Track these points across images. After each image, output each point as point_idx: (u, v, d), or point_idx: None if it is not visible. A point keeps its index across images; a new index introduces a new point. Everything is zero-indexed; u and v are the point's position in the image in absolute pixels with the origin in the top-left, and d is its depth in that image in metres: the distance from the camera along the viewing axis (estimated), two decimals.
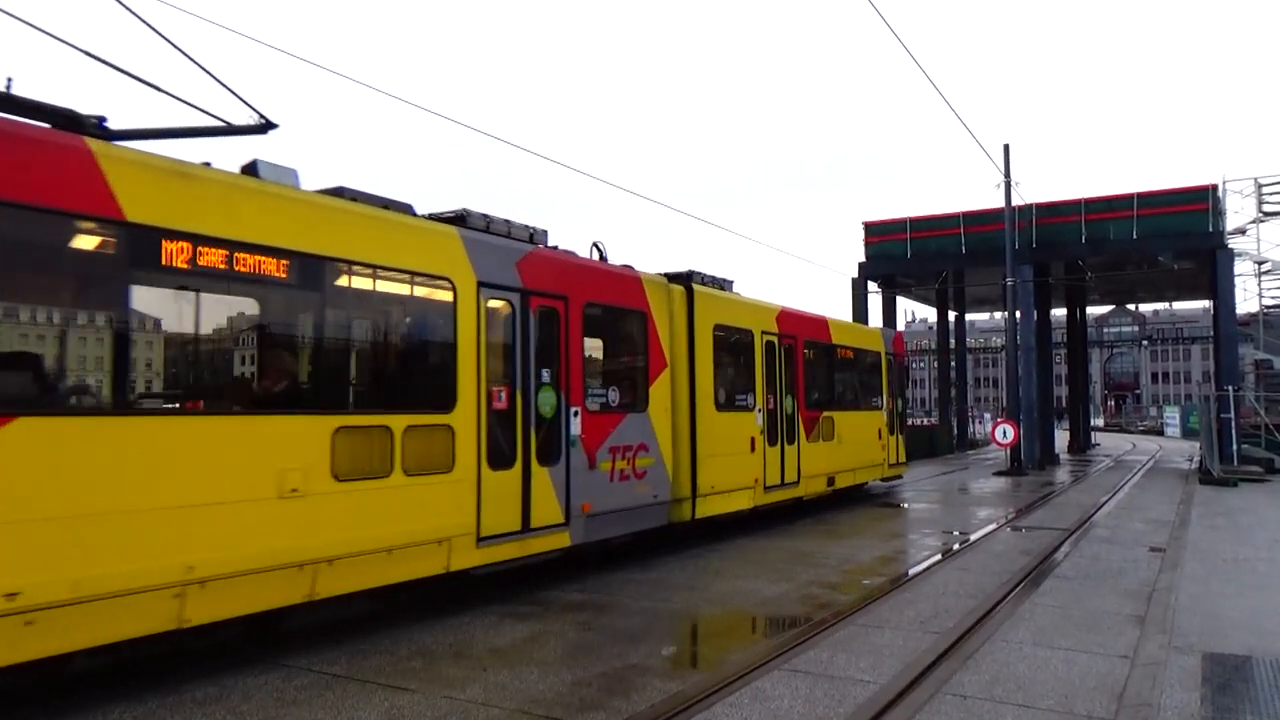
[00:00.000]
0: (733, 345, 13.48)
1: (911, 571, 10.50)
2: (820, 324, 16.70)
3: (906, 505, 18.36)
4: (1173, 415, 66.54)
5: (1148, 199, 29.54)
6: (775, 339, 14.53)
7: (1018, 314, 28.53)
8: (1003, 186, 27.86)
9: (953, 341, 42.61)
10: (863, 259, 34.29)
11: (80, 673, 5.94)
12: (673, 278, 12.45)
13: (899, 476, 20.65)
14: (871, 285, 34.54)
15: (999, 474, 26.02)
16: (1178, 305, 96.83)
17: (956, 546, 12.64)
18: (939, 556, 11.63)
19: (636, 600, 8.98)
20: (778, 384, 14.47)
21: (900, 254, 33.61)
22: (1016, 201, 28.32)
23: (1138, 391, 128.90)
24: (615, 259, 11.66)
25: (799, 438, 14.99)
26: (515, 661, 6.78)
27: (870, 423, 18.53)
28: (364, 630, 7.65)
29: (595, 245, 11.29)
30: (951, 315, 42.34)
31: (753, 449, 13.42)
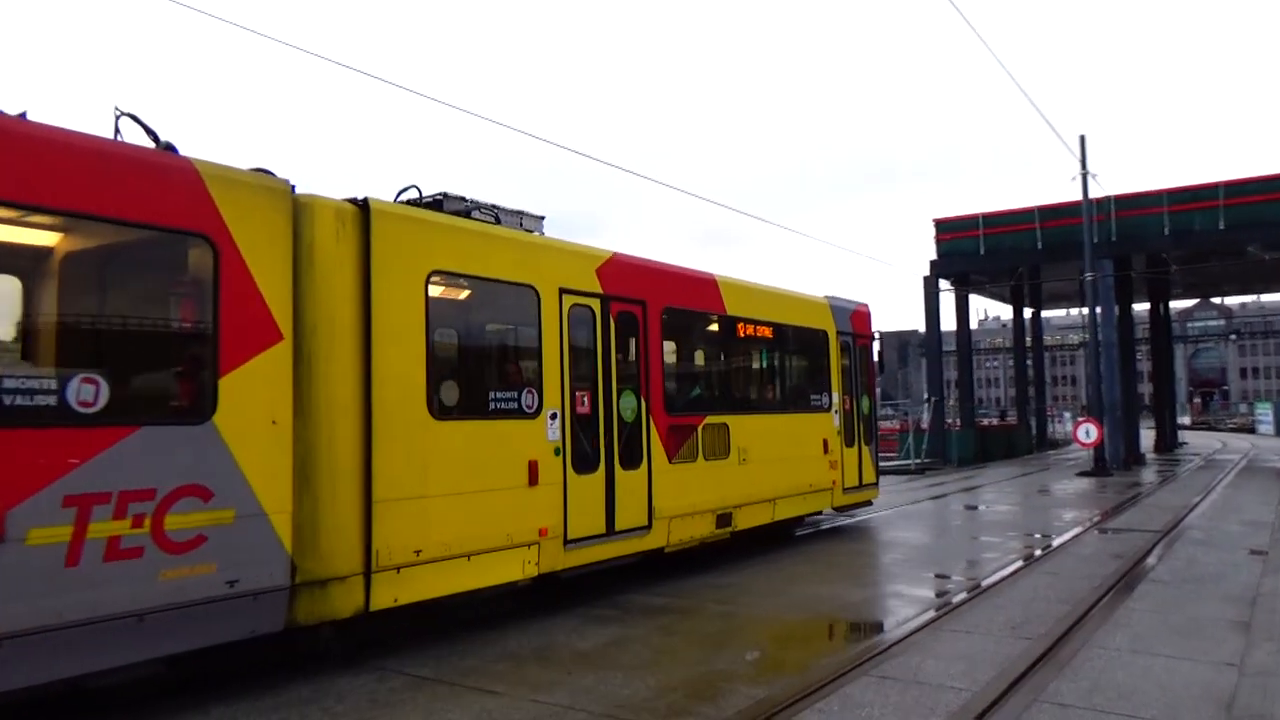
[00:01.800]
0: (487, 309, 8.65)
1: (997, 576, 10.24)
2: (701, 285, 11.18)
3: (985, 508, 17.94)
4: (1265, 411, 63.92)
5: (1235, 188, 28.39)
6: (594, 303, 9.21)
7: (1098, 310, 27.69)
8: (1079, 179, 27.06)
9: (1029, 339, 41.58)
10: (934, 257, 33.67)
11: (186, 672, 6.14)
12: (414, 205, 8.08)
13: (866, 503, 15.33)
14: (944, 283, 33.91)
15: (1082, 475, 25.26)
16: (1266, 298, 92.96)
17: (1042, 551, 12.28)
18: (1025, 560, 11.32)
19: (718, 605, 8.94)
20: (601, 373, 9.24)
21: (973, 250, 32.89)
22: (1095, 193, 27.49)
23: (1225, 387, 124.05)
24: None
25: (650, 456, 9.72)
26: (599, 665, 6.80)
27: (807, 431, 13.12)
28: (451, 633, 7.75)
29: (123, 114, 6.32)
30: (1027, 312, 41.31)
31: (534, 480, 8.21)
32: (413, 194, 8.32)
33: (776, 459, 12.12)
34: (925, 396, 35.04)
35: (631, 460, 9.53)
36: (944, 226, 33.79)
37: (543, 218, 9.21)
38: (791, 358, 13.55)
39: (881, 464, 29.69)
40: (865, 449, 14.81)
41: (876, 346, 15.72)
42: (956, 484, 23.30)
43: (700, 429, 10.62)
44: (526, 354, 8.72)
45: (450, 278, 7.92)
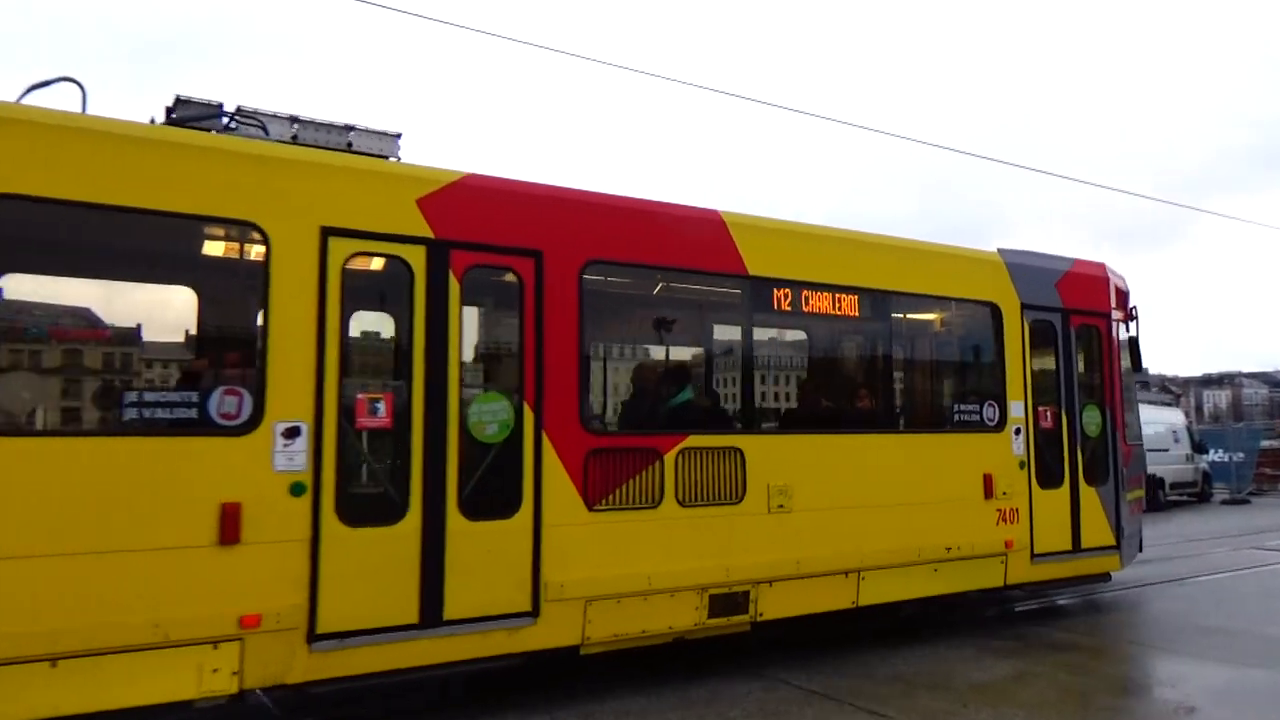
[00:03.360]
0: (129, 258, 5.93)
1: None
2: (689, 227, 7.11)
3: None
4: None
5: None
6: (411, 252, 5.88)
7: None
8: None
9: None
10: None
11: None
12: None
13: (1097, 578, 9.40)
14: None
15: None
16: None
17: None
18: None
19: (1136, 645, 8.01)
20: (423, 365, 5.85)
21: None
22: None
23: None
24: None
25: (538, 499, 6.15)
26: (998, 701, 6.40)
27: (944, 461, 8.24)
28: (839, 649, 7.75)
29: None
30: None
31: (231, 535, 5.14)
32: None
33: (864, 506, 7.59)
34: None
35: (494, 505, 6.05)
36: None
37: (398, 136, 6.41)
38: (908, 344, 9.03)
39: None
40: (1089, 491, 9.09)
41: (1128, 330, 10.01)
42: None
43: (670, 457, 6.68)
44: (234, 331, 5.93)
45: (34, 207, 4.90)
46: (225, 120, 5.94)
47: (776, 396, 8.18)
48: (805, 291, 7.59)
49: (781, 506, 7.14)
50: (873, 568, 7.56)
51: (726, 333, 7.95)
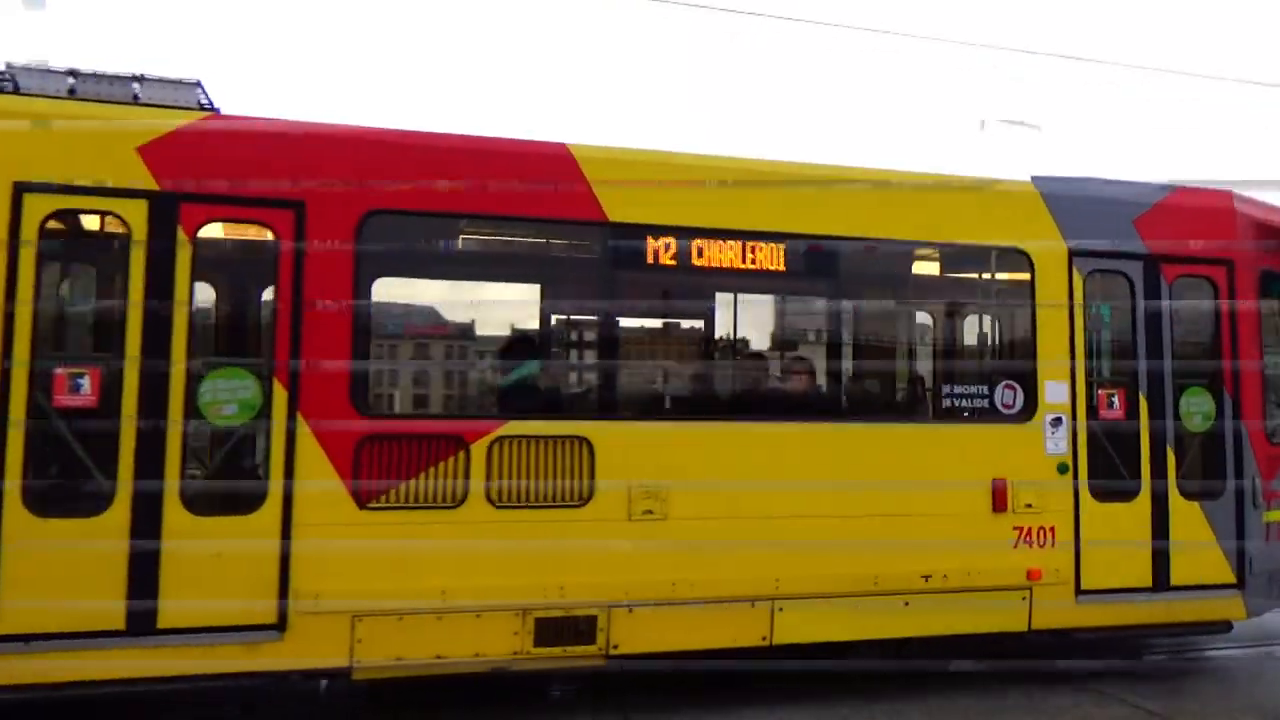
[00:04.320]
0: None
1: None
2: (517, 163, 5.74)
3: None
4: None
5: None
6: (127, 208, 5.13)
7: None
8: None
9: None
10: None
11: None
12: None
13: (1206, 626, 6.71)
14: None
15: None
16: None
17: None
18: None
19: None
20: (141, 336, 5.09)
21: None
22: None
23: None
24: None
25: (288, 492, 5.22)
26: None
27: (928, 461, 6.10)
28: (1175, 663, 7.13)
29: None
30: None
31: None
32: None
33: (786, 517, 5.83)
34: None
35: (231, 498, 5.30)
36: None
37: (196, 83, 5.52)
38: (865, 307, 7.21)
39: None
40: (1188, 507, 6.58)
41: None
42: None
43: (480, 447, 5.42)
44: None
45: None
46: None
47: (652, 375, 6.64)
48: (699, 241, 5.94)
49: (650, 513, 5.63)
50: (795, 597, 5.76)
51: (574, 294, 6.56)
